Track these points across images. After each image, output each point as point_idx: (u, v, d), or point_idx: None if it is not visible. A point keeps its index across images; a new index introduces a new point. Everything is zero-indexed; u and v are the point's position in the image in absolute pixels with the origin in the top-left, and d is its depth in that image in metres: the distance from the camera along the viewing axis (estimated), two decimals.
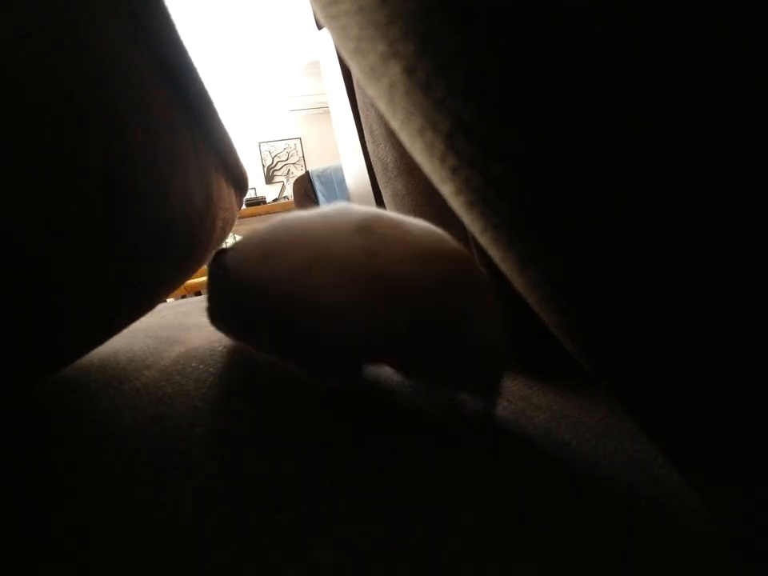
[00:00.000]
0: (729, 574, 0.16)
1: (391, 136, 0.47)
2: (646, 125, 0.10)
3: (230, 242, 0.43)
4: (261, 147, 4.44)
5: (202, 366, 0.26)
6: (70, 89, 0.14)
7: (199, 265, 0.35)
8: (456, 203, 0.14)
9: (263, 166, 4.45)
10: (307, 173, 2.23)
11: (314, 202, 2.18)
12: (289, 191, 3.37)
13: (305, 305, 0.18)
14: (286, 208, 2.88)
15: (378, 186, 0.58)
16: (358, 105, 0.57)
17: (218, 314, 0.24)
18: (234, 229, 0.41)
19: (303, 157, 4.54)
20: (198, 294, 2.53)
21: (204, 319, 0.44)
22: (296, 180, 2.26)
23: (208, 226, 0.30)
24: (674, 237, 0.10)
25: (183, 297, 2.11)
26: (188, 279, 0.36)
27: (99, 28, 0.16)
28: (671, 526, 0.19)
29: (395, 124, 0.14)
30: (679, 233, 0.10)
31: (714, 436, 0.12)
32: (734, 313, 0.10)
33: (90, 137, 0.15)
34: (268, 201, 3.26)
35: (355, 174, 0.69)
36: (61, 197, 0.15)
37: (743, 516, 0.12)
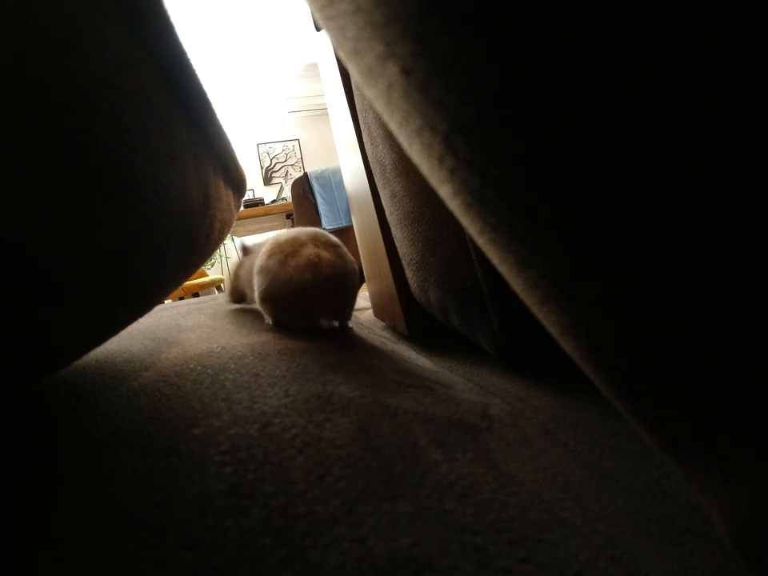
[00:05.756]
0: (728, 568, 0.17)
1: (389, 137, 0.47)
2: (646, 126, 0.10)
3: (228, 243, 0.43)
4: (259, 149, 4.44)
5: (199, 368, 0.26)
6: (74, 95, 0.14)
7: (197, 266, 0.35)
8: (454, 205, 0.14)
9: (261, 168, 4.45)
10: (305, 174, 2.23)
11: (312, 203, 2.18)
12: (287, 192, 3.37)
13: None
14: (284, 209, 2.87)
15: (375, 188, 0.58)
16: (356, 106, 0.57)
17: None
18: (232, 230, 0.41)
19: (301, 158, 4.55)
20: (196, 295, 2.53)
21: (201, 320, 0.44)
22: (294, 181, 2.26)
23: (206, 227, 0.30)
24: (670, 237, 0.10)
25: (181, 298, 2.11)
26: (186, 281, 0.36)
27: (102, 35, 0.16)
28: (669, 524, 0.19)
29: (393, 125, 0.14)
30: (674, 233, 0.10)
31: (708, 428, 0.12)
32: (724, 308, 0.10)
33: (92, 141, 0.15)
34: (266, 202, 3.26)
35: (353, 175, 0.69)
36: (61, 200, 0.15)
37: (739, 507, 0.12)
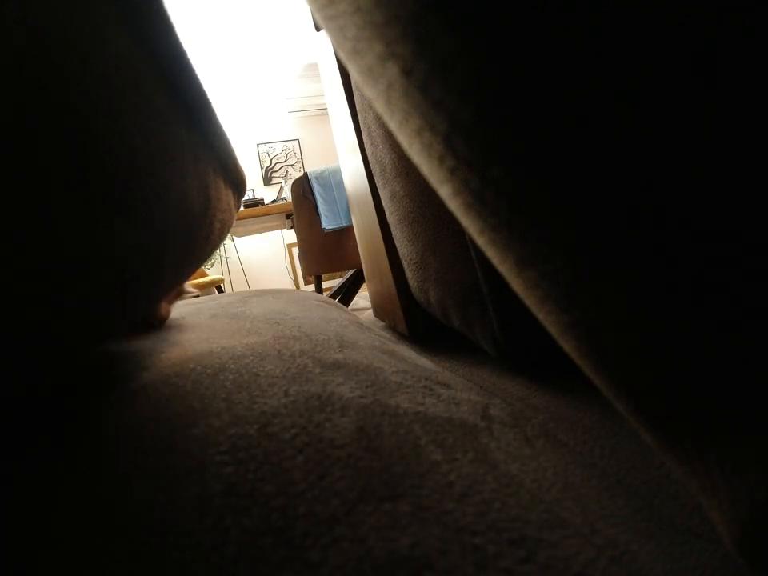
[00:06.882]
0: (728, 568, 0.17)
1: (389, 137, 0.47)
2: (646, 126, 0.10)
3: (228, 243, 0.44)
4: (259, 149, 4.44)
5: (199, 368, 0.26)
6: (74, 95, 0.14)
7: (197, 266, 0.35)
8: (454, 204, 0.14)
9: (261, 168, 4.45)
10: (305, 174, 2.23)
11: (312, 203, 2.18)
12: (287, 192, 3.37)
13: None
14: (284, 209, 2.88)
15: (375, 188, 0.58)
16: (356, 106, 0.57)
17: None
18: (231, 230, 0.42)
19: (301, 158, 4.54)
20: (196, 296, 2.53)
21: (201, 320, 0.44)
22: (294, 181, 2.26)
23: (206, 227, 0.30)
24: (670, 237, 0.10)
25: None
26: (186, 281, 0.36)
27: (102, 35, 0.16)
28: (669, 524, 0.19)
29: (393, 125, 0.14)
30: (674, 233, 0.10)
31: (708, 428, 0.12)
32: (724, 308, 0.10)
33: (92, 141, 0.15)
34: (266, 202, 3.26)
35: (353, 175, 0.69)
36: (61, 200, 0.15)
37: (740, 506, 0.12)
